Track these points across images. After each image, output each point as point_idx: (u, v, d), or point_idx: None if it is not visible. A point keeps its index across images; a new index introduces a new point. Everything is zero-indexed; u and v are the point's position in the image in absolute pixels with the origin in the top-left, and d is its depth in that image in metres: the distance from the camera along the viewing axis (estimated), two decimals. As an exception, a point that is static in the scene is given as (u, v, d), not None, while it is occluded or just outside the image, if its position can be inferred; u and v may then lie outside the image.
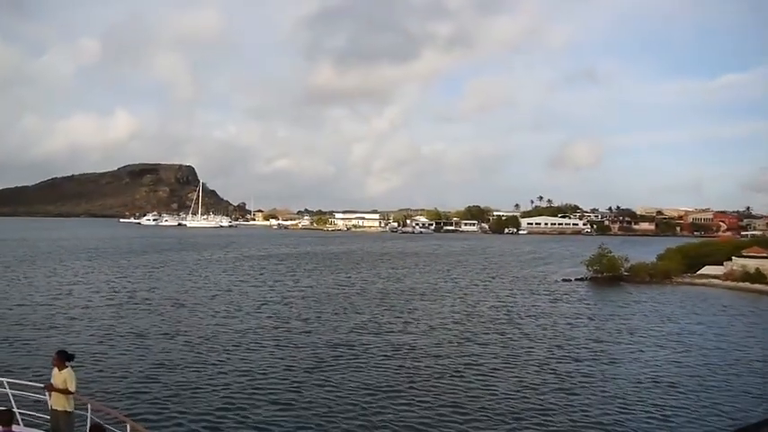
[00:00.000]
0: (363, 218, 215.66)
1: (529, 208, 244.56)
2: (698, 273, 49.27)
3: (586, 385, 17.23)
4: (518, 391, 16.54)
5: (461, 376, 18.10)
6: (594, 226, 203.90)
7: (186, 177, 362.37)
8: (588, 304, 34.71)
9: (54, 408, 9.11)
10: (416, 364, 19.55)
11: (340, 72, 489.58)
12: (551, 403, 15.52)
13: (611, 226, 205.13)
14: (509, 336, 24.62)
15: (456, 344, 22.78)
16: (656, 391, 17.14)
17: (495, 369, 18.94)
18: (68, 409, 9.11)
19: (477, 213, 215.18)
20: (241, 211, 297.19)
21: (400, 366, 19.13)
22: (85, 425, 8.60)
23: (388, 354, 20.87)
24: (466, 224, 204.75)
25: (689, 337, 25.42)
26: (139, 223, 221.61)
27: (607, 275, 47.35)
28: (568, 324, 27.73)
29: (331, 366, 18.99)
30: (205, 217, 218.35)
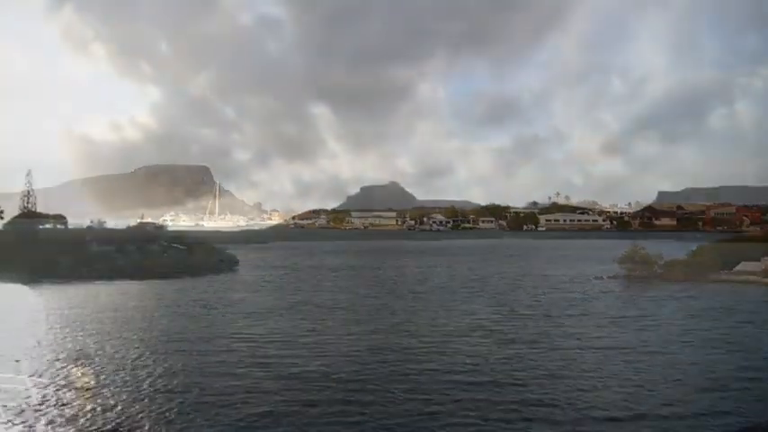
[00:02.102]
0: (380, 216, 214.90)
1: (546, 204, 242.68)
2: (734, 269, 47.61)
3: (661, 395, 16.03)
4: (586, 402, 15.39)
5: (519, 382, 16.99)
6: (614, 222, 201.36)
7: (202, 178, 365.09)
8: (628, 303, 33.35)
9: None
10: (466, 368, 18.48)
11: (353, 72, 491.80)
12: (627, 417, 14.36)
13: (632, 222, 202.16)
14: (555, 337, 23.41)
15: (502, 346, 21.68)
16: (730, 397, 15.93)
17: (551, 375, 17.75)
18: None
19: (494, 210, 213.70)
20: (257, 210, 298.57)
21: (450, 371, 18.08)
22: None
23: (433, 358, 19.83)
24: (483, 221, 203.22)
25: (747, 339, 24.02)
26: (156, 223, 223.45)
27: (641, 273, 45.84)
28: (614, 324, 26.45)
29: (376, 371, 18.02)
30: (222, 217, 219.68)
